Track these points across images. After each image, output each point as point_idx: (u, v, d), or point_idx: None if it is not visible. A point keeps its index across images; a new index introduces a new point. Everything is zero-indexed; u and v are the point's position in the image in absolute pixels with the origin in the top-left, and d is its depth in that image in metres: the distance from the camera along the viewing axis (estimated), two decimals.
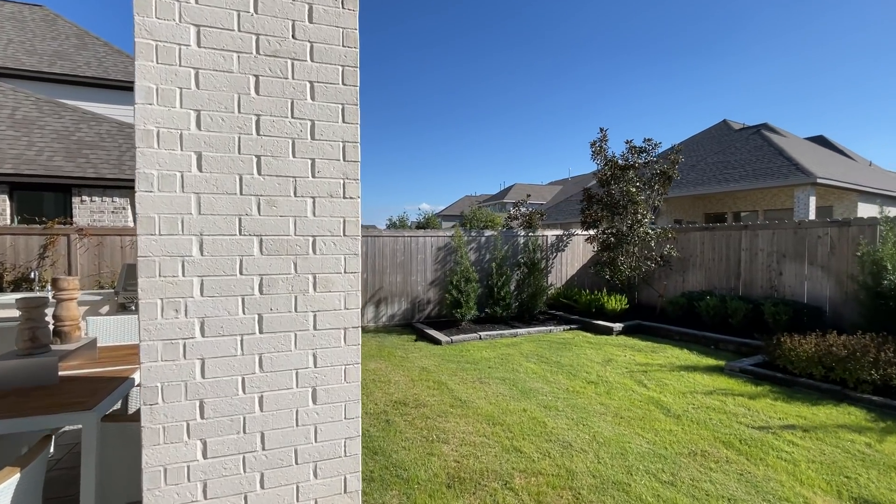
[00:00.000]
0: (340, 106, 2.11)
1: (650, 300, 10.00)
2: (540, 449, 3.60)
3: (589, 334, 8.15)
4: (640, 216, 8.90)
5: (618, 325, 8.13)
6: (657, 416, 4.31)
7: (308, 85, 2.05)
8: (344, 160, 2.12)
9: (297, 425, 2.04)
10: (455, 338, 7.59)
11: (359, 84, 2.15)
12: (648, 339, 7.72)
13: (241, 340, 1.96)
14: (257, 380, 1.98)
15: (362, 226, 8.94)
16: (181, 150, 1.86)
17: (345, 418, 2.13)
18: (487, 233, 9.87)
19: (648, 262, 9.10)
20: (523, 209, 12.67)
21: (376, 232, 8.96)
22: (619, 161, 9.34)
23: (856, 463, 3.39)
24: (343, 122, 2.11)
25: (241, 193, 1.95)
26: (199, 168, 1.89)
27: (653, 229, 9.01)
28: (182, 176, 1.86)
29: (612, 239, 9.05)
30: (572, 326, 8.64)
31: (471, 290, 8.38)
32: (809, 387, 5.02)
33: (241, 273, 1.95)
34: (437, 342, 7.53)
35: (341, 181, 2.11)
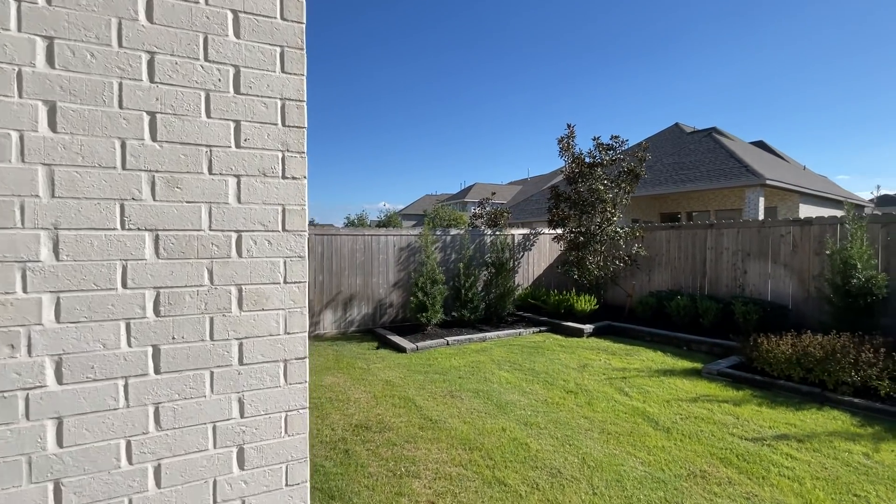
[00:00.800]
0: (278, 49, 1.51)
1: (618, 300, 9.87)
2: (526, 479, 3.12)
3: (560, 337, 7.84)
4: (608, 214, 8.71)
5: (588, 327, 7.87)
6: (645, 429, 3.96)
7: (230, 15, 1.44)
8: (283, 124, 1.52)
9: (214, 503, 1.42)
10: (421, 344, 7.03)
11: (305, 21, 1.55)
12: (620, 340, 7.50)
13: (126, 386, 1.32)
14: (151, 442, 1.35)
15: (316, 224, 8.21)
16: (19, 96, 1.20)
17: (286, 485, 1.53)
18: (453, 231, 9.38)
19: (617, 262, 8.93)
20: (488, 207, 12.30)
21: (333, 230, 8.24)
22: (587, 158, 9.13)
23: (860, 478, 3.15)
24: (282, 71, 1.51)
25: (123, 168, 1.32)
26: (52, 126, 1.23)
27: (622, 228, 8.85)
28: (21, 137, 1.20)
29: (581, 238, 8.81)
30: (542, 329, 8.31)
31: (437, 293, 7.85)
32: (789, 389, 4.87)
33: (124, 286, 1.32)
34: (401, 350, 6.94)
35: (279, 154, 1.52)
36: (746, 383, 5.18)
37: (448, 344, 7.26)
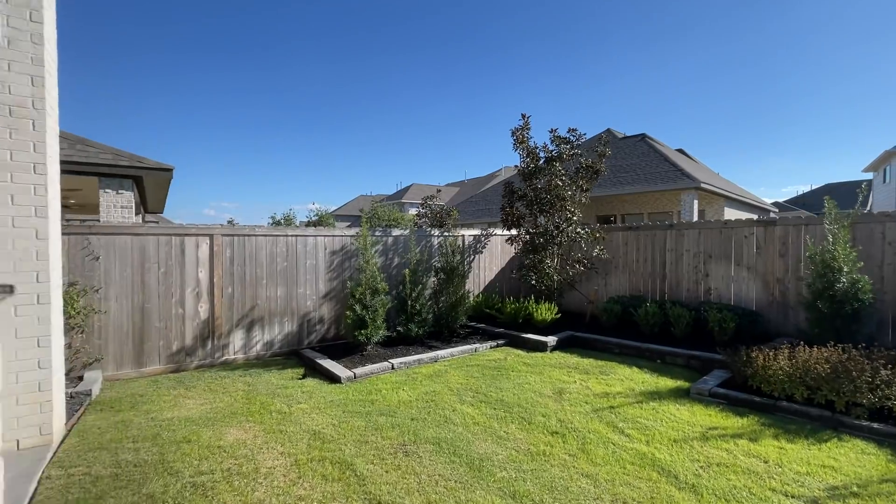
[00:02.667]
0: None
1: (576, 306, 9.17)
2: None
3: (521, 352, 6.86)
4: (568, 213, 7.93)
5: (551, 339, 6.98)
6: (668, 491, 2.99)
7: None
8: None
9: None
10: (360, 371, 5.67)
11: None
12: (588, 354, 6.67)
13: None
14: None
15: (226, 224, 6.28)
16: None
17: None
18: (396, 232, 8.08)
19: (577, 266, 8.18)
20: (433, 205, 11.15)
21: (247, 230, 6.60)
22: (541, 153, 8.31)
23: None
24: None
25: None
26: None
27: (582, 228, 8.11)
28: None
29: (539, 239, 7.93)
30: (500, 342, 7.29)
31: (379, 305, 6.52)
32: (796, 413, 4.22)
33: None
34: (334, 379, 5.54)
35: None
36: (746, 406, 4.49)
37: (394, 368, 5.96)
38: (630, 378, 5.48)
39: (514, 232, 8.94)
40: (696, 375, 5.56)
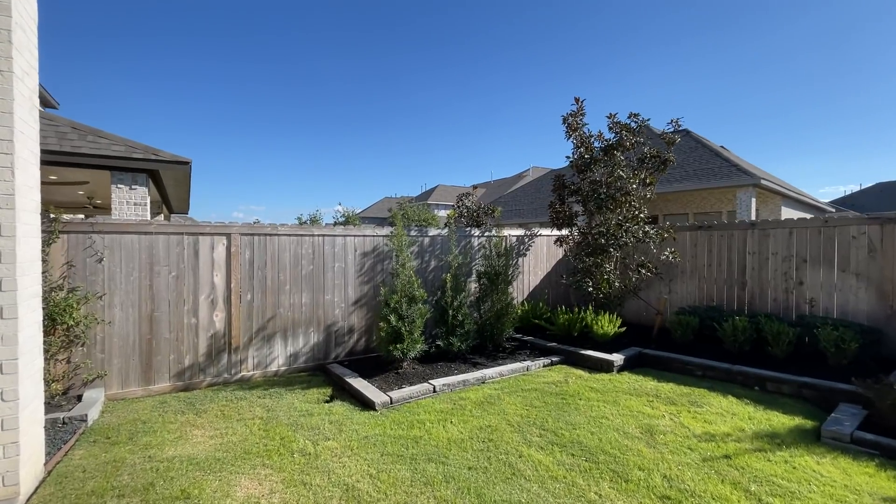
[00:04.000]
0: None
1: (637, 317, 8.07)
2: None
3: (582, 372, 5.85)
4: (634, 210, 6.86)
5: (617, 358, 5.93)
6: None
7: None
8: None
9: None
10: (397, 394, 4.79)
11: None
12: (664, 377, 5.60)
13: None
14: None
15: (246, 223, 5.31)
16: None
17: None
18: (433, 231, 7.19)
19: (642, 271, 7.09)
20: (469, 204, 10.21)
21: (268, 229, 5.82)
22: (595, 143, 7.27)
23: None
24: None
25: None
26: None
27: (651, 228, 7.01)
28: None
29: (601, 239, 6.88)
30: (553, 360, 6.28)
31: (416, 315, 5.63)
32: None
33: None
34: (367, 404, 4.67)
35: None
36: None
37: (436, 391, 5.05)
38: (731, 412, 4.40)
39: (563, 232, 7.93)
40: (817, 410, 4.43)
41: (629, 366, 6.02)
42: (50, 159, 5.96)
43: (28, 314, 2.97)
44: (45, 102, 11.75)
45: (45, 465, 3.30)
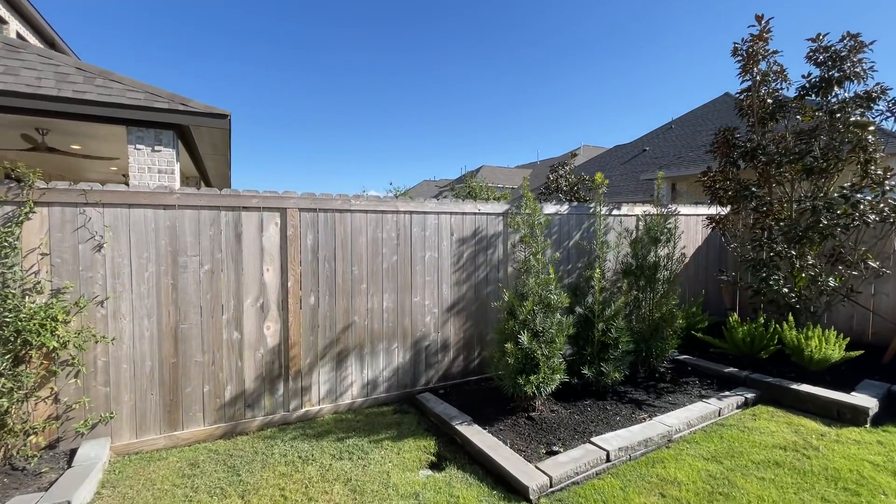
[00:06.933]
0: None
1: (847, 331, 5.81)
2: None
3: (807, 421, 3.79)
4: (872, 176, 4.60)
5: (865, 400, 3.82)
6: None
7: None
8: None
9: None
10: (556, 469, 2.91)
11: None
12: None
13: None
14: None
15: (304, 195, 3.16)
16: None
17: None
18: (550, 208, 5.20)
19: (862, 266, 4.84)
20: (563, 172, 8.13)
21: (338, 203, 4.03)
22: (780, 86, 5.01)
23: None
24: None
25: None
26: None
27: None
28: None
29: (818, 218, 4.63)
30: (744, 395, 4.21)
31: (556, 330, 3.73)
32: None
33: None
34: (509, 484, 2.85)
35: None
36: None
37: (610, 460, 3.15)
38: None
39: (724, 210, 5.78)
40: None
41: (889, 415, 3.89)
42: (45, 107, 4.39)
43: None
44: (50, 42, 10.32)
45: None
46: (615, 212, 5.63)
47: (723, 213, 5.78)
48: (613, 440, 3.30)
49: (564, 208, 5.26)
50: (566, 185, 7.83)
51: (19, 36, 9.26)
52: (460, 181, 44.67)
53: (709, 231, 6.50)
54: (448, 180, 53.12)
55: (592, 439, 3.32)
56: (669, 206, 5.75)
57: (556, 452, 3.17)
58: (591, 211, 5.51)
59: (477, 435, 3.41)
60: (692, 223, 6.45)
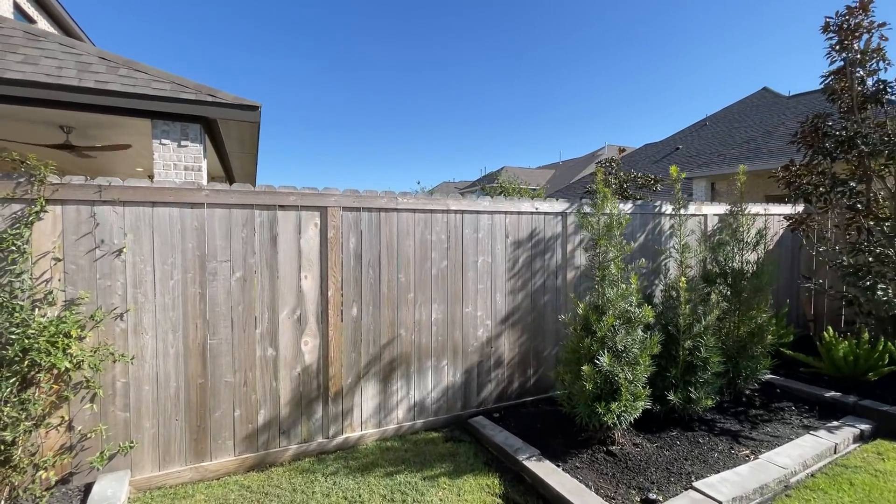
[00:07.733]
0: None
1: None
2: None
3: None
4: None
5: None
6: None
7: None
8: None
9: None
10: None
11: None
12: None
13: None
14: None
15: (346, 192, 2.61)
16: None
17: None
18: (628, 206, 4.61)
19: None
20: (612, 169, 7.51)
21: (382, 200, 3.54)
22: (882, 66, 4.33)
23: None
24: None
25: None
26: None
27: None
28: None
29: None
30: (858, 427, 3.57)
31: (640, 352, 3.17)
32: None
33: None
34: None
35: None
36: None
37: None
38: None
39: (796, 209, 5.11)
40: None
41: None
42: (66, 99, 4.03)
43: None
44: (67, 30, 10.09)
45: None
46: (682, 211, 5.01)
47: (801, 211, 5.11)
48: (722, 486, 2.72)
49: (628, 207, 4.68)
50: (615, 183, 7.21)
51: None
52: (488, 180, 44.00)
53: (781, 232, 5.81)
54: (468, 182, 52.55)
55: (695, 484, 2.74)
56: (742, 204, 5.08)
57: (653, 501, 2.61)
58: (657, 210, 4.93)
59: (553, 475, 2.86)
60: (759, 224, 5.76)
